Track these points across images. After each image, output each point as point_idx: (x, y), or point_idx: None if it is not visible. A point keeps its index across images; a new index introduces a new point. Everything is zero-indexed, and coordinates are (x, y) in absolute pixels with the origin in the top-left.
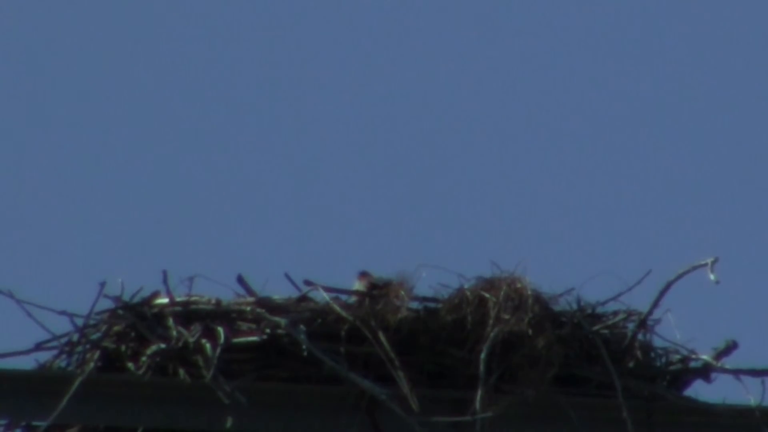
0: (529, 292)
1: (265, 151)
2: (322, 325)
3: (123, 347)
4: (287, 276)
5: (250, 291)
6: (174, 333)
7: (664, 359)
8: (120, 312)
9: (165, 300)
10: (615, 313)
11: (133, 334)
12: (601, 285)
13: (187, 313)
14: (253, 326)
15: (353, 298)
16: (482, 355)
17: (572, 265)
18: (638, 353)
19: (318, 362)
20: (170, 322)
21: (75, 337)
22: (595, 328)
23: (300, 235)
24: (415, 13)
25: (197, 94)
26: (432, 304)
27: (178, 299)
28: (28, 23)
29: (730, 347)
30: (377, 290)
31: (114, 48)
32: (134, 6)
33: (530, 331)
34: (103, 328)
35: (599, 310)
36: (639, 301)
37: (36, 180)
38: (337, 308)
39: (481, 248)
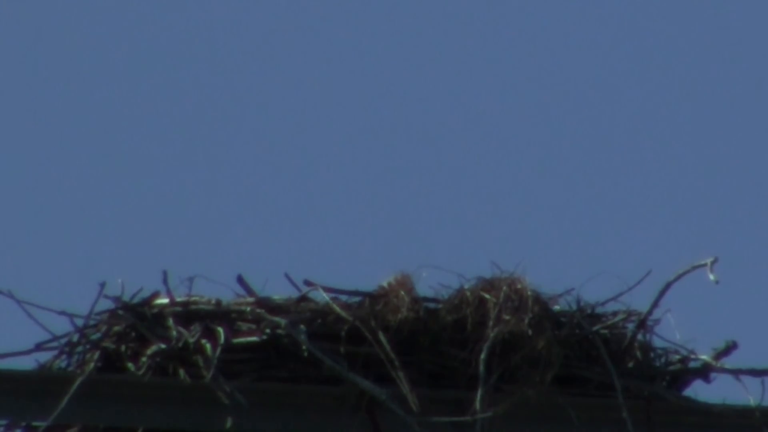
0: (529, 293)
1: (264, 151)
2: (322, 326)
3: (123, 347)
4: (287, 276)
5: (250, 291)
6: (174, 333)
7: (663, 359)
8: (120, 312)
9: (165, 300)
10: (615, 314)
11: (133, 334)
12: (601, 285)
13: (187, 314)
14: (253, 326)
15: (354, 298)
16: (482, 356)
17: (572, 265)
18: (638, 353)
19: (318, 362)
20: (170, 322)
21: (75, 338)
22: (595, 328)
23: (300, 235)
24: (414, 12)
25: (197, 94)
26: (432, 305)
27: (178, 299)
28: (27, 22)
29: (730, 347)
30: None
31: (113, 47)
32: (135, 6)
33: (530, 332)
34: (103, 328)
35: (599, 310)
36: (639, 301)
37: (36, 180)
38: (337, 308)
39: (481, 248)
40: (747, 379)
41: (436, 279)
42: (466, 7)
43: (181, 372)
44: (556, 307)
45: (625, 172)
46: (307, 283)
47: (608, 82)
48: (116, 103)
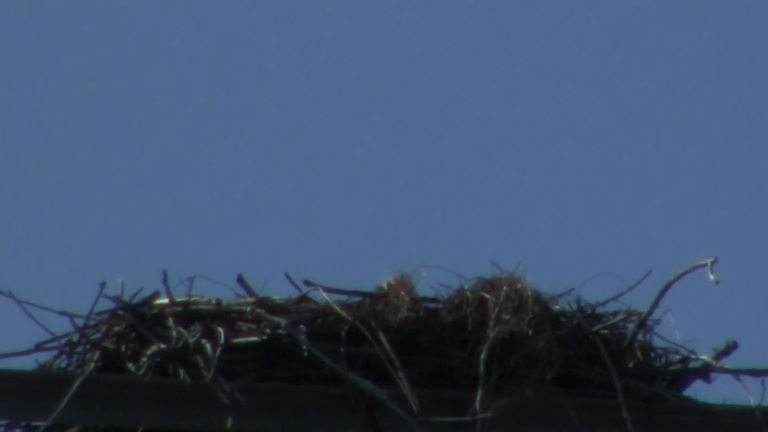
0: (530, 293)
1: (265, 152)
2: (322, 326)
3: (123, 347)
4: (287, 276)
5: (250, 291)
6: (174, 333)
7: (664, 359)
8: (120, 312)
9: (165, 300)
10: (615, 314)
11: (133, 334)
12: (601, 285)
13: (187, 314)
14: (253, 326)
15: (354, 298)
16: (482, 356)
17: (572, 265)
18: (638, 353)
19: (318, 362)
20: (170, 322)
21: (75, 338)
22: (595, 328)
23: (300, 235)
24: (415, 12)
25: (197, 94)
26: (432, 305)
27: (178, 299)
28: (27, 22)
29: (730, 347)
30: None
31: (113, 47)
32: (134, 6)
33: (530, 332)
34: (103, 328)
35: (599, 310)
36: (639, 301)
37: (36, 179)
38: (337, 308)
39: (481, 248)
40: (747, 379)
41: (436, 279)
42: (466, 7)
43: (181, 372)
44: (556, 307)
45: (625, 172)
46: (307, 283)
47: (608, 82)
48: (116, 103)
